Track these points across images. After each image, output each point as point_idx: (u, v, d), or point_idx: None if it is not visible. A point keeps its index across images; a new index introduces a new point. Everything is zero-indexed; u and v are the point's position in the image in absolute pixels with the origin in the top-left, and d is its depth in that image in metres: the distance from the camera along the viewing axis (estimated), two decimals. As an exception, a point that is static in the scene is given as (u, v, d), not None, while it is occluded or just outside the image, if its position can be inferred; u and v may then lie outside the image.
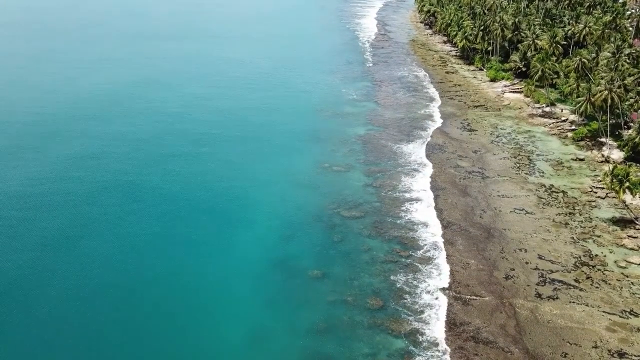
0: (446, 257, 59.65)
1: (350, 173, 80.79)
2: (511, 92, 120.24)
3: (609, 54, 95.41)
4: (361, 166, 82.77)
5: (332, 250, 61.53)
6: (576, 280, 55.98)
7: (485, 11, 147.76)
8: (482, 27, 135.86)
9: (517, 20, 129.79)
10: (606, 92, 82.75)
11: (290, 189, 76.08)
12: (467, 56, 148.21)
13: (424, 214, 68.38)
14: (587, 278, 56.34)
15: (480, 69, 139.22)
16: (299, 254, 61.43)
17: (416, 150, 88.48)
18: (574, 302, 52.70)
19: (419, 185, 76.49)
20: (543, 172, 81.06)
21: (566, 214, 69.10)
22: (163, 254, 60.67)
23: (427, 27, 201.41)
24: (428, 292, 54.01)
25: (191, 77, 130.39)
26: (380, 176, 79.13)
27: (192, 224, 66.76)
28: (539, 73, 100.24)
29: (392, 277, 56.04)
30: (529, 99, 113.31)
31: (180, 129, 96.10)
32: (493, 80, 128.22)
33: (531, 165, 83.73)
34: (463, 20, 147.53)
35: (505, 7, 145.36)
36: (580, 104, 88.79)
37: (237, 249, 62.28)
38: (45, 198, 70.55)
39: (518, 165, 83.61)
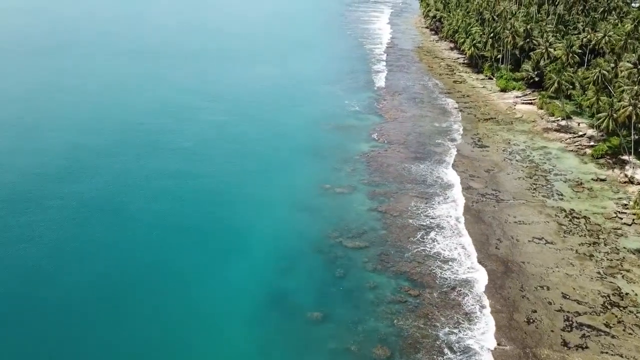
0: (460, 297, 54.46)
1: (353, 195, 75.72)
2: (523, 103, 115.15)
3: (630, 65, 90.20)
4: (365, 188, 77.70)
5: (333, 287, 56.42)
6: (606, 325, 50.73)
7: (495, 17, 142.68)
8: (491, 34, 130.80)
9: (529, 27, 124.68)
10: (630, 107, 77.64)
11: (289, 213, 71.11)
12: (475, 64, 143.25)
13: (434, 245, 63.16)
14: (619, 322, 51.11)
15: (490, 78, 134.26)
16: (297, 290, 56.43)
17: (423, 170, 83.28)
18: (605, 352, 47.47)
19: (428, 210, 71.27)
20: (562, 195, 75.85)
21: (590, 244, 63.87)
22: (147, 286, 55.86)
23: (433, 32, 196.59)
24: (440, 340, 48.78)
25: (180, 85, 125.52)
26: (385, 200, 73.98)
27: (180, 253, 61.88)
28: (555, 85, 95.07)
29: (400, 322, 50.84)
30: (542, 111, 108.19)
31: (167, 143, 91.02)
32: (504, 90, 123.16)
33: (548, 186, 78.52)
34: (471, 27, 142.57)
35: (516, 13, 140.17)
36: (601, 119, 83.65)
37: (229, 283, 57.41)
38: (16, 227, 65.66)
39: (534, 186, 78.43)
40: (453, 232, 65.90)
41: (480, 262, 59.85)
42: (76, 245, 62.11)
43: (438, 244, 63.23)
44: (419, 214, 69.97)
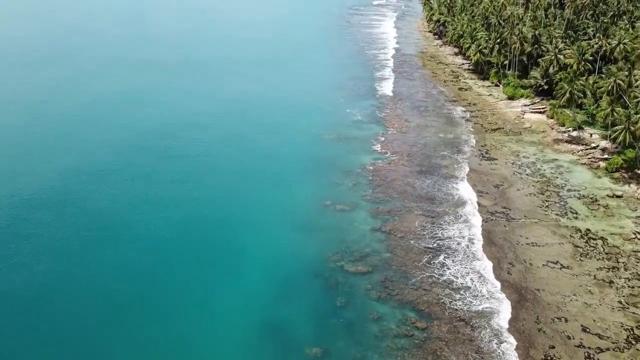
0: (471, 330, 50.60)
1: (355, 213, 71.93)
2: (532, 112, 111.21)
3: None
4: (367, 205, 73.90)
5: (333, 318, 52.68)
6: (631, 363, 46.85)
7: (501, 22, 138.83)
8: (498, 40, 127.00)
9: (537, 32, 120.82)
10: (649, 120, 73.77)
11: (286, 233, 67.43)
12: (481, 70, 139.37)
13: (443, 270, 59.28)
14: (645, 360, 47.18)
15: (496, 85, 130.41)
16: (294, 321, 52.81)
17: (429, 185, 79.43)
18: (632, 396, 43.56)
19: (435, 230, 67.39)
20: (576, 213, 71.93)
21: (609, 269, 59.95)
22: (134, 315, 52.25)
23: (436, 37, 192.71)
24: (451, 380, 44.98)
25: (177, 90, 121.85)
26: (389, 218, 70.16)
27: (170, 277, 58.43)
28: (567, 95, 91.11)
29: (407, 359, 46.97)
30: (552, 120, 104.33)
31: (158, 159, 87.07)
32: (511, 98, 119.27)
33: (562, 203, 74.60)
34: (477, 32, 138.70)
35: (523, 18, 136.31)
36: (617, 132, 79.80)
37: (220, 312, 54.08)
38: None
39: (547, 203, 74.52)
40: (464, 255, 61.99)
41: (492, 290, 55.90)
42: (56, 277, 58.41)
43: (447, 269, 59.35)
44: (426, 235, 66.15)
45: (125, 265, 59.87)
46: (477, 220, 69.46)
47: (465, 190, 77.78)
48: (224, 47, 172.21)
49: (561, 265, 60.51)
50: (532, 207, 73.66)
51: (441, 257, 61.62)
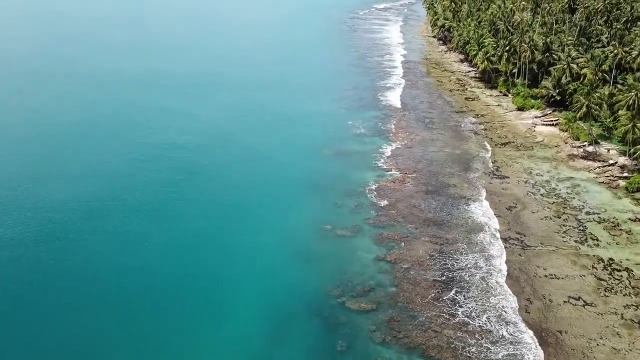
0: (488, 382, 45.64)
1: (357, 240, 67.05)
2: (544, 124, 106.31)
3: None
4: (371, 229, 69.02)
5: (334, 366, 47.65)
6: None
7: (510, 28, 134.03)
8: (507, 48, 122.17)
9: (548, 40, 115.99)
10: (675, 139, 68.83)
11: (282, 264, 62.56)
12: (488, 78, 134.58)
13: (454, 308, 54.26)
14: (685, 420, 42.12)
15: (505, 95, 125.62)
16: (290, 369, 47.71)
17: (437, 207, 74.49)
18: None
19: (446, 260, 62.42)
20: (597, 239, 66.95)
21: (637, 306, 54.92)
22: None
23: (441, 42, 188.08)
24: None
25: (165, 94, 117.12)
26: (394, 246, 65.24)
27: (153, 314, 53.49)
28: (584, 109, 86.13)
29: (416, 420, 42.01)
30: (565, 134, 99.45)
31: (143, 177, 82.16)
32: (521, 109, 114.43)
33: (580, 228, 69.61)
34: (484, 38, 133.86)
35: (532, 24, 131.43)
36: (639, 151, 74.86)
37: (207, 356, 48.66)
38: None
39: (564, 228, 69.54)
40: (479, 290, 56.97)
41: (512, 332, 50.91)
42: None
43: (459, 306, 54.31)
44: (435, 266, 61.18)
45: (108, 298, 55.01)
46: (494, 249, 64.41)
47: (476, 213, 72.89)
48: (217, 56, 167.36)
49: (584, 302, 55.52)
50: (548, 232, 68.67)
51: (452, 292, 56.61)
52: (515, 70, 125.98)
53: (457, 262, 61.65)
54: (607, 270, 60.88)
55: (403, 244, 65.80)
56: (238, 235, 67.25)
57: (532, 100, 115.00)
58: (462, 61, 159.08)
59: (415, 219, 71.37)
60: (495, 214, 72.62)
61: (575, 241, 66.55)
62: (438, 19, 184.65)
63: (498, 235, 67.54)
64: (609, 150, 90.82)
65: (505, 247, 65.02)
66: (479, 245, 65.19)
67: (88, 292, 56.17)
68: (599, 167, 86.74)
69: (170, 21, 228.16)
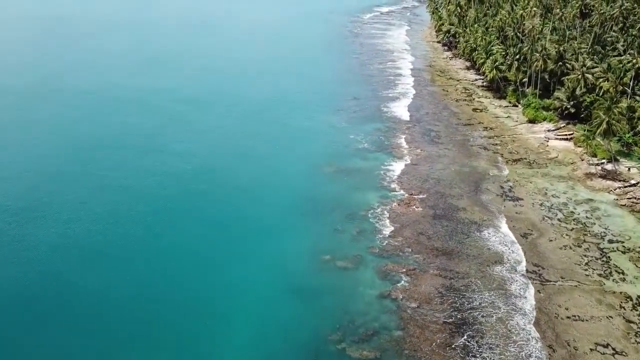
0: None
1: (359, 272, 61.76)
2: (557, 138, 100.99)
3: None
4: (374, 260, 63.73)
5: None
6: None
7: (519, 35, 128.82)
8: (517, 56, 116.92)
9: (561, 48, 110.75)
10: None
11: (275, 301, 57.33)
12: (497, 88, 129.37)
13: (467, 358, 48.81)
14: None
15: (515, 105, 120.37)
16: None
17: (446, 234, 69.16)
18: None
19: (459, 298, 57.02)
20: (623, 273, 61.56)
21: (674, 355, 49.47)
22: None
23: (446, 48, 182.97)
24: None
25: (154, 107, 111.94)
26: (400, 280, 59.95)
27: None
28: (604, 126, 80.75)
29: None
30: (581, 149, 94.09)
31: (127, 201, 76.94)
32: (532, 121, 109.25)
33: (604, 259, 64.22)
34: (492, 45, 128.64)
35: (543, 31, 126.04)
36: (667, 173, 69.47)
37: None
38: None
39: (586, 259, 64.14)
40: (497, 335, 51.54)
41: (532, 390, 45.57)
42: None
43: (473, 356, 48.87)
44: (446, 304, 55.82)
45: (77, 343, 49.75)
46: (512, 285, 59.03)
47: (490, 241, 67.50)
48: (209, 67, 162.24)
49: (613, 349, 50.12)
50: (569, 264, 63.28)
51: (464, 338, 51.20)
52: (526, 79, 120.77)
53: (469, 301, 56.27)
54: (636, 310, 55.47)
55: (410, 277, 60.43)
56: (226, 266, 61.94)
57: (544, 112, 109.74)
58: (468, 68, 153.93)
59: (423, 248, 66.01)
60: (511, 242, 67.21)
61: (599, 275, 61.14)
62: (443, 24, 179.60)
63: (517, 267, 62.08)
64: (629, 169, 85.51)
65: (523, 282, 59.57)
66: (494, 280, 59.79)
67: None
68: (619, 187, 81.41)
69: (162, 29, 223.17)
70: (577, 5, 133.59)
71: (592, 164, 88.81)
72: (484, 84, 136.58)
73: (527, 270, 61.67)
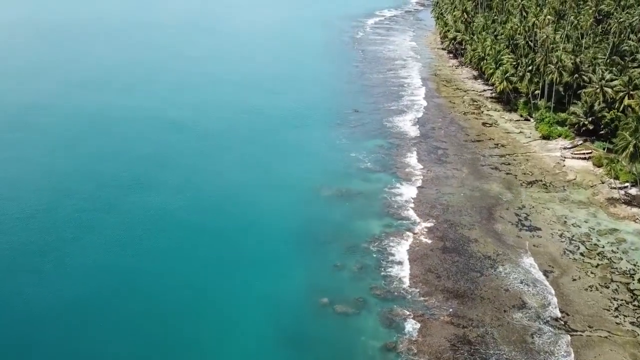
0: None
1: (361, 319, 55.88)
2: (574, 157, 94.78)
3: None
4: (378, 303, 57.85)
5: None
6: None
7: (531, 44, 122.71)
8: (529, 67, 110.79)
9: (577, 60, 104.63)
10: None
11: (266, 353, 51.55)
12: (507, 100, 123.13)
13: None
14: None
15: (527, 119, 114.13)
16: None
17: (457, 272, 63.07)
18: None
19: (472, 352, 50.72)
20: (658, 320, 55.25)
21: None
22: None
23: (451, 55, 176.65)
24: None
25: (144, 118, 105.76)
26: (407, 327, 54.06)
27: None
28: (630, 149, 74.52)
29: None
30: (601, 170, 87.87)
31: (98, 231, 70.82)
32: (546, 137, 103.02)
33: (635, 303, 57.99)
34: (502, 55, 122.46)
35: (555, 39, 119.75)
36: None
37: None
38: None
39: (615, 303, 58.01)
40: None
41: None
42: None
43: None
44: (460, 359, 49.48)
45: None
46: (537, 338, 52.74)
47: (507, 280, 61.28)
48: (203, 74, 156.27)
49: (655, 421, 43.77)
50: (596, 309, 57.08)
51: (482, 404, 44.94)
52: (538, 91, 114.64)
53: (486, 355, 49.91)
54: (677, 368, 49.19)
55: (418, 324, 54.36)
56: (212, 313, 56.00)
57: (559, 128, 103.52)
58: (475, 78, 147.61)
59: (432, 289, 59.88)
60: (532, 281, 60.96)
61: (632, 323, 55.00)
62: (449, 30, 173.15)
63: (542, 314, 55.85)
64: (656, 194, 79.28)
65: (544, 333, 53.31)
66: (515, 331, 53.46)
67: None
68: (646, 215, 75.15)
69: (155, 31, 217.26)
70: (591, 12, 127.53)
71: (615, 188, 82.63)
72: (493, 95, 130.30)
73: (549, 317, 55.39)
